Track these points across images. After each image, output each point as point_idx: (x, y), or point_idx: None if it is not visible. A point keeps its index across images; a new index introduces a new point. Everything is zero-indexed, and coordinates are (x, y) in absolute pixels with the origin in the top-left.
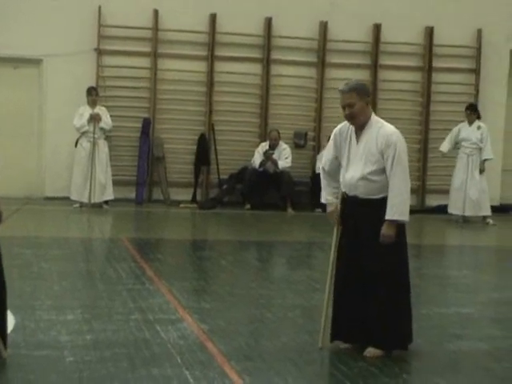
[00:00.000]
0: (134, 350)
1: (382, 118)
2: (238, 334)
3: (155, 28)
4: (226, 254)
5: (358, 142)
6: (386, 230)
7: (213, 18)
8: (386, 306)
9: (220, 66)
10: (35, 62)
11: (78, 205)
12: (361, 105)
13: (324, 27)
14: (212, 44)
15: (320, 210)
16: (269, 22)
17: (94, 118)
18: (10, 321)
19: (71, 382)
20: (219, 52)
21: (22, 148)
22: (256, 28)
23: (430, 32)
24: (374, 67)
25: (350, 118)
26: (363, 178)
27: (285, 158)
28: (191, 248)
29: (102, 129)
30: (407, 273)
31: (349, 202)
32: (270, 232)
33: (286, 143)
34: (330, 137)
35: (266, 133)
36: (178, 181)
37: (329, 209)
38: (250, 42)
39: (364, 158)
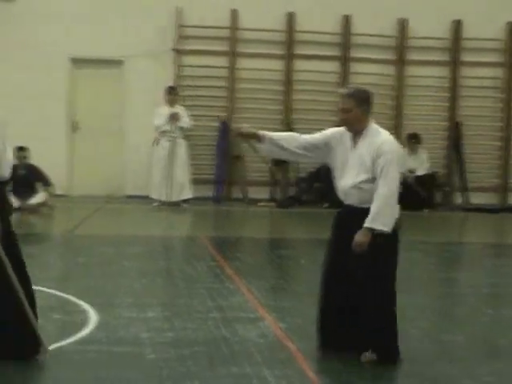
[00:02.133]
0: (213, 348)
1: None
2: None
3: (233, 27)
4: (304, 253)
5: (354, 149)
6: (359, 237)
7: (291, 17)
8: (372, 317)
9: (298, 65)
10: (116, 63)
11: (157, 203)
12: (356, 112)
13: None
14: (290, 42)
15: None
16: (346, 20)
17: (173, 117)
18: (92, 318)
19: (151, 380)
20: (297, 50)
21: (103, 147)
22: (334, 26)
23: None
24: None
25: (344, 124)
26: (355, 186)
27: None
28: (270, 246)
29: (181, 128)
30: (393, 284)
31: (345, 211)
32: None
33: None
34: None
35: None
36: (256, 179)
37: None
38: (329, 40)
39: (357, 166)
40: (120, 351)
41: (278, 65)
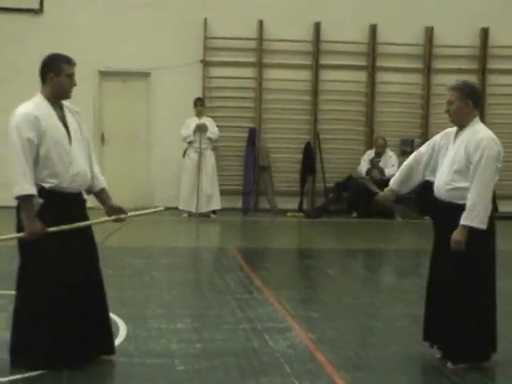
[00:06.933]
0: (243, 359)
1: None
2: (347, 343)
3: (260, 38)
4: (333, 263)
5: (453, 144)
6: (456, 235)
7: (317, 27)
8: (461, 316)
9: (325, 75)
10: (143, 75)
11: (186, 214)
12: (458, 105)
13: (430, 32)
14: (316, 53)
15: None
16: (373, 29)
17: (200, 128)
18: (122, 330)
19: None
20: (324, 60)
21: (131, 159)
22: (360, 35)
23: None
24: (482, 72)
25: (448, 115)
26: (448, 183)
27: (391, 165)
28: (298, 257)
29: (208, 139)
30: (489, 283)
31: (439, 207)
32: (378, 240)
33: (392, 150)
34: None
35: (371, 140)
36: (284, 190)
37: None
38: (355, 49)
39: (451, 161)
40: (150, 363)
41: (304, 75)
